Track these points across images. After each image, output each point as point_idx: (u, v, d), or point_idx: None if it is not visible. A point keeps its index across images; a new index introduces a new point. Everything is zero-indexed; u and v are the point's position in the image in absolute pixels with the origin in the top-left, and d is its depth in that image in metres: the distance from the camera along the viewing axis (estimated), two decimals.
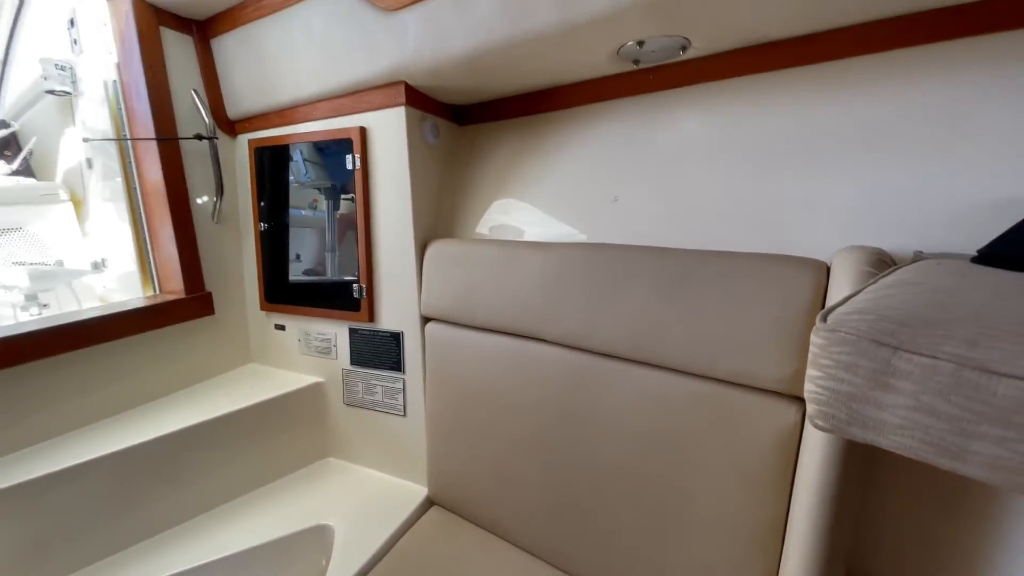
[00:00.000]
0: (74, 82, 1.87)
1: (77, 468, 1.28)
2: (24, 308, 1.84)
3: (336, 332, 1.70)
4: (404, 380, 1.60)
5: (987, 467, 0.39)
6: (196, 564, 1.32)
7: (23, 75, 2.27)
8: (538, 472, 1.32)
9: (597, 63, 1.27)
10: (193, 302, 1.70)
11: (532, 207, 1.50)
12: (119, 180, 1.71)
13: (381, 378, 1.64)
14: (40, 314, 1.84)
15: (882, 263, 0.81)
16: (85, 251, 1.95)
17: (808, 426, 0.88)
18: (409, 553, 1.38)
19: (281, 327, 1.83)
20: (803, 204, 1.08)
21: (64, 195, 1.99)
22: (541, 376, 1.29)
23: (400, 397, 1.62)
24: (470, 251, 1.42)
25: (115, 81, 1.61)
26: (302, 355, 1.80)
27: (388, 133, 1.46)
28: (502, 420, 1.38)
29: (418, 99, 1.46)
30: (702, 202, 1.22)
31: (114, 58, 1.57)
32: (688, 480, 1.07)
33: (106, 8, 1.53)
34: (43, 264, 1.88)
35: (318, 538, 1.45)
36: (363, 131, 1.49)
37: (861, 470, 0.83)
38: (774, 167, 1.13)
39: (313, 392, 1.75)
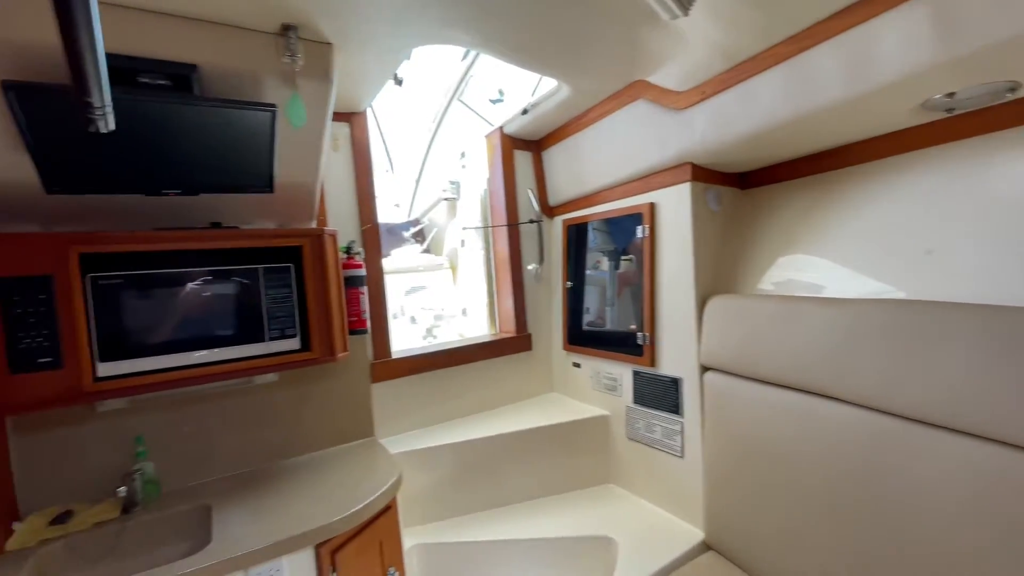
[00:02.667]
0: (458, 191, 2.84)
1: (448, 446, 1.89)
2: (424, 337, 2.83)
3: (622, 373, 2.00)
4: (682, 424, 1.75)
5: None
6: (512, 537, 1.74)
7: (426, 189, 3.52)
8: (829, 536, 1.26)
9: (897, 118, 1.26)
10: (519, 340, 2.28)
11: (826, 263, 1.49)
12: (481, 254, 2.49)
13: (660, 419, 1.83)
14: (431, 342, 2.80)
15: None
16: (456, 301, 2.87)
17: None
18: None
19: (577, 365, 2.25)
20: None
21: (446, 265, 3.00)
22: (831, 435, 1.26)
23: (678, 439, 1.77)
24: (752, 306, 1.51)
25: (485, 189, 2.40)
26: (593, 390, 2.16)
27: (673, 206, 1.72)
28: (787, 475, 1.38)
29: (701, 174, 1.69)
30: None
31: (486, 174, 2.36)
32: None
33: (484, 143, 2.34)
34: (433, 310, 2.87)
35: (603, 547, 1.70)
36: (652, 206, 1.80)
37: None
38: None
39: (600, 423, 2.07)
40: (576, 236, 2.24)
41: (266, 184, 1.38)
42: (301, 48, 1.22)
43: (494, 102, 2.45)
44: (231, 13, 1.13)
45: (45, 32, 0.98)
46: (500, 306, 2.38)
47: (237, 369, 1.42)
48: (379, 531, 1.45)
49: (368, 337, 1.88)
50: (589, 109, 1.91)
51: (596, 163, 2.01)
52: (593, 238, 2.17)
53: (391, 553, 1.49)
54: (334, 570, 1.29)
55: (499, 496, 1.97)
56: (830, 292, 1.45)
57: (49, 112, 1.03)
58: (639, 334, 1.87)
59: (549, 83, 1.86)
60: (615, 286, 2.11)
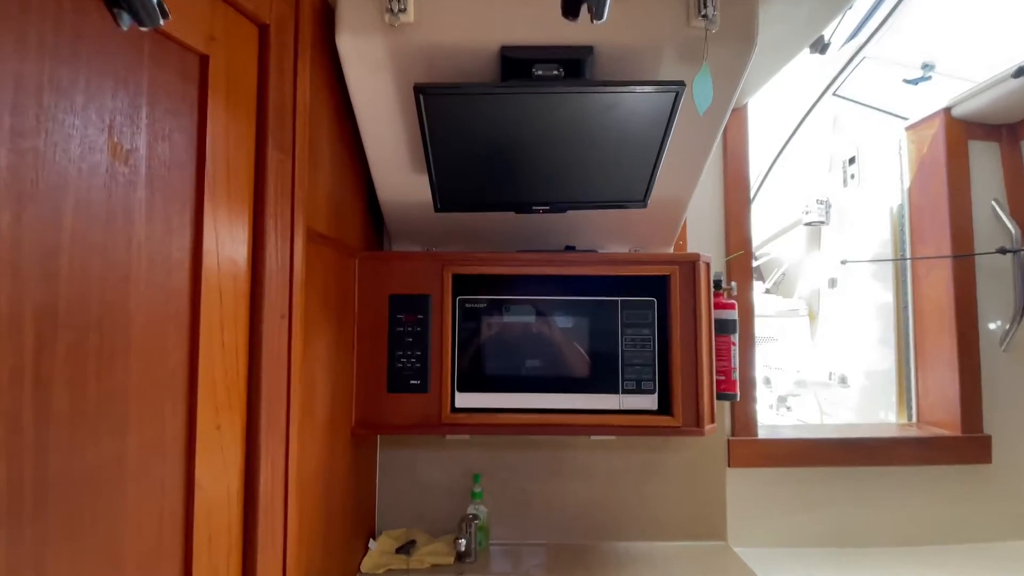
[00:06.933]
0: (827, 213, 2.12)
1: None
2: (776, 409, 2.18)
3: None
4: None
5: None
6: None
7: (763, 213, 2.83)
8: None
9: None
10: (967, 443, 1.41)
11: None
12: (881, 300, 1.72)
13: None
14: (783, 415, 2.13)
15: None
16: (816, 363, 2.13)
17: None
18: None
19: None
20: None
21: (803, 311, 2.28)
22: None
23: None
24: None
25: (899, 205, 1.64)
26: None
27: None
28: None
29: None
30: None
31: (904, 184, 1.61)
32: None
33: (903, 138, 1.60)
34: (783, 370, 2.21)
35: None
36: None
37: None
38: None
39: None
40: None
41: (641, 198, 1.09)
42: (718, 3, 0.89)
43: (912, 82, 1.69)
44: None
45: (446, 34, 0.90)
46: (924, 383, 1.54)
47: (587, 423, 1.15)
48: None
49: (727, 404, 1.40)
50: None
51: None
52: None
53: None
54: None
55: None
56: None
57: (446, 119, 0.95)
58: None
59: None
60: None
